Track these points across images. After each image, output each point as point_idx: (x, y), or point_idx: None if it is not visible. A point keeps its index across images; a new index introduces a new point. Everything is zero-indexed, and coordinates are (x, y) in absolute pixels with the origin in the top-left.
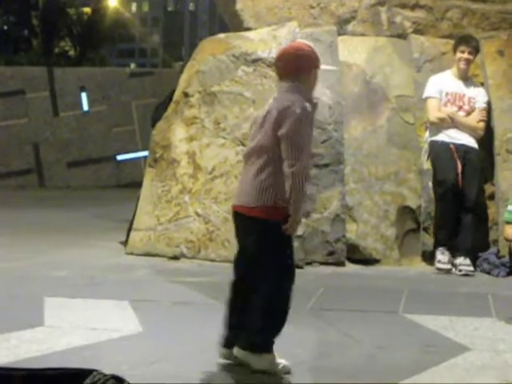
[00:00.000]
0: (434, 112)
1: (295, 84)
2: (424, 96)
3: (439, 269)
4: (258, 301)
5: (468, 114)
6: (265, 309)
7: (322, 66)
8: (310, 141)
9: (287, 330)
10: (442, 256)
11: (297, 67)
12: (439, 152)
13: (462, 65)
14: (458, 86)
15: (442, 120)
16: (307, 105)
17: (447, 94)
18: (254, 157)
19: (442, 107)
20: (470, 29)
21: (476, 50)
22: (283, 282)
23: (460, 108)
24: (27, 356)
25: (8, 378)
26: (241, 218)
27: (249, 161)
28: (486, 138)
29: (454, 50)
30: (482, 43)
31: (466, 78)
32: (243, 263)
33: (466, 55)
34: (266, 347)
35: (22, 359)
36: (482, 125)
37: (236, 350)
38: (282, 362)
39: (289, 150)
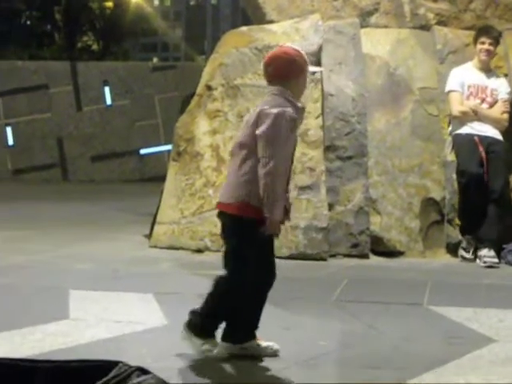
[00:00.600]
0: (456, 106)
1: (282, 88)
2: (446, 90)
3: (463, 257)
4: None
5: (491, 105)
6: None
7: (310, 68)
8: (291, 145)
9: (311, 321)
10: (467, 245)
11: (286, 72)
12: (462, 143)
13: (483, 56)
14: (480, 78)
15: (465, 114)
16: (289, 109)
17: (469, 86)
18: (235, 155)
19: (465, 100)
20: (494, 20)
21: (497, 41)
22: (252, 278)
23: (483, 100)
24: (52, 349)
25: (33, 371)
26: (220, 216)
27: (231, 159)
28: (510, 129)
29: (475, 41)
30: (506, 34)
31: (488, 70)
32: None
33: (486, 46)
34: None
35: (46, 352)
36: (505, 116)
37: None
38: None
39: (263, 149)
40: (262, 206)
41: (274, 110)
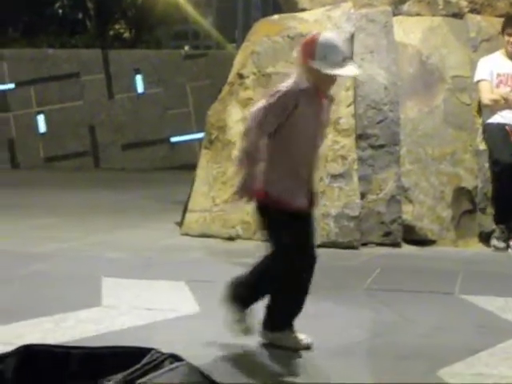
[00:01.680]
0: (486, 94)
1: (298, 72)
2: (475, 80)
3: (496, 247)
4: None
5: None
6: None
7: (339, 72)
8: (301, 131)
9: (343, 309)
10: (501, 234)
11: (307, 54)
12: (494, 132)
13: (510, 48)
14: (509, 67)
15: (495, 101)
16: (288, 91)
17: (498, 75)
18: None
19: (495, 89)
20: None
21: None
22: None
23: None
24: (83, 336)
25: (65, 357)
26: None
27: None
28: None
29: (502, 31)
30: None
31: None
32: None
33: None
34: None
35: (78, 339)
36: None
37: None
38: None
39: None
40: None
41: (272, 92)
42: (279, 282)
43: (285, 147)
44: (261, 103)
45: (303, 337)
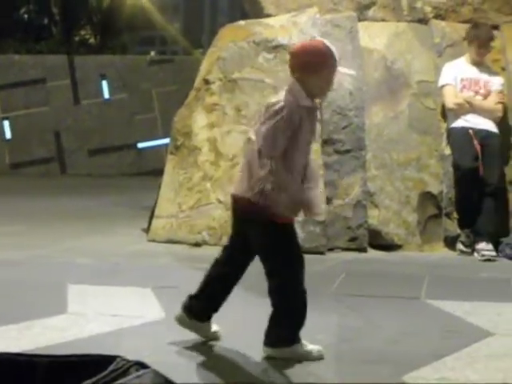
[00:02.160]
0: (451, 98)
1: (294, 83)
2: (440, 84)
3: (461, 251)
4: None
5: (485, 98)
6: None
7: (340, 69)
8: (293, 143)
9: (309, 315)
10: (466, 239)
11: (304, 65)
12: (457, 136)
13: (475, 56)
14: (472, 72)
15: (459, 105)
16: (291, 107)
17: (462, 79)
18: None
19: (459, 93)
20: (491, 13)
21: (489, 41)
22: None
23: (476, 93)
24: (50, 343)
25: (31, 365)
26: None
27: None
28: (506, 123)
29: (468, 41)
30: (503, 27)
31: (480, 63)
32: None
33: (478, 49)
34: None
35: (45, 346)
36: (499, 107)
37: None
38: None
39: (260, 151)
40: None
41: (275, 107)
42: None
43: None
44: (266, 123)
45: (315, 347)
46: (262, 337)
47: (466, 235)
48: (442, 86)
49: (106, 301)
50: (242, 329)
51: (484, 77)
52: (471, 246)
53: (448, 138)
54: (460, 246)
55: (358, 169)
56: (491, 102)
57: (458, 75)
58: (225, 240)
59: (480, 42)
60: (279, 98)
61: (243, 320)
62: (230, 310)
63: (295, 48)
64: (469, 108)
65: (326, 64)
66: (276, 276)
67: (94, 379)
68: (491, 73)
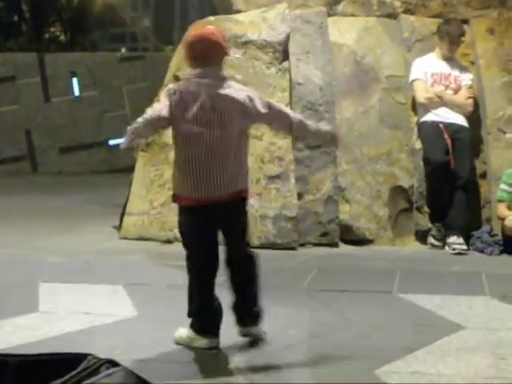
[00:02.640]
0: (421, 93)
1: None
2: (410, 79)
3: (432, 245)
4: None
5: (455, 92)
6: None
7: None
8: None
9: (281, 310)
10: (437, 233)
11: (212, 54)
12: (428, 130)
13: (446, 52)
14: (442, 66)
15: (430, 100)
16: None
17: (432, 74)
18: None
19: (430, 88)
20: (460, 7)
21: (460, 36)
22: None
23: (447, 87)
24: (22, 342)
25: (3, 364)
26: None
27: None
28: (476, 117)
29: (438, 36)
30: (472, 22)
31: (450, 58)
32: None
33: (449, 45)
34: None
35: (16, 345)
36: (470, 101)
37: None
38: None
39: None
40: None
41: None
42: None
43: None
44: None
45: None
46: (236, 334)
47: (437, 229)
48: (413, 81)
49: (77, 299)
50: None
51: (454, 72)
52: (442, 239)
53: (419, 132)
54: (431, 240)
55: (328, 164)
56: (462, 97)
57: (428, 70)
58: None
59: (451, 38)
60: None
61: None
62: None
63: (197, 36)
64: (439, 102)
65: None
66: None
67: (65, 377)
68: (461, 68)
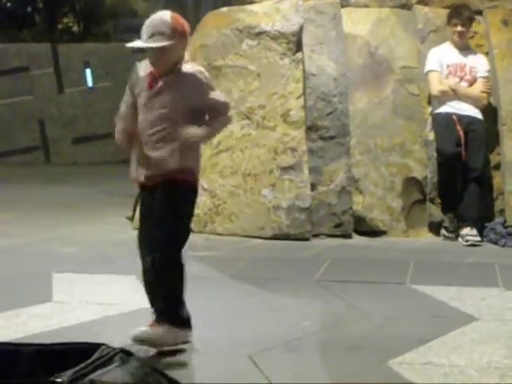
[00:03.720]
0: (436, 85)
1: None
2: (425, 70)
3: (445, 236)
4: None
5: (470, 83)
6: None
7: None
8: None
9: (294, 302)
10: (449, 224)
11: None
12: (440, 122)
13: (456, 37)
14: (457, 57)
15: (444, 93)
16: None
17: (448, 65)
18: None
19: (444, 79)
20: None
21: (470, 20)
22: None
23: (462, 78)
24: (36, 332)
25: (17, 354)
26: None
27: None
28: (491, 108)
29: (448, 23)
30: (486, 13)
31: (466, 48)
32: None
33: (459, 28)
34: None
35: (30, 335)
36: (485, 94)
37: None
38: None
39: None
40: None
41: None
42: None
43: None
44: None
45: None
46: (250, 326)
47: (450, 220)
48: (428, 72)
49: (91, 289)
50: (229, 318)
51: (470, 62)
52: (455, 231)
53: (432, 123)
54: (444, 232)
55: (342, 155)
56: (476, 90)
57: (443, 61)
58: (209, 227)
59: (460, 21)
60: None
61: (231, 310)
62: (219, 300)
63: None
64: (453, 95)
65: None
66: None
67: (79, 367)
68: (477, 58)
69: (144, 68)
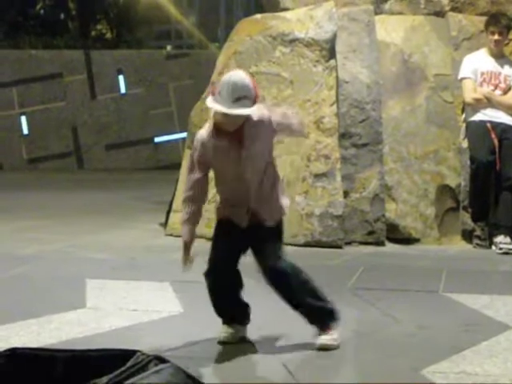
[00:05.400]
0: (469, 93)
1: None
2: (459, 77)
3: (477, 244)
4: None
5: (505, 92)
6: None
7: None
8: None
9: None
10: (480, 232)
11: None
12: (474, 130)
13: (493, 46)
14: (492, 65)
15: (478, 101)
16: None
17: (482, 73)
18: None
19: (478, 87)
20: (509, 5)
21: (508, 28)
22: None
23: (496, 87)
24: (70, 337)
25: (51, 360)
26: None
27: None
28: None
29: (486, 29)
30: None
31: (501, 56)
32: None
33: (496, 37)
34: None
35: (64, 341)
36: None
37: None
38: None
39: None
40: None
41: None
42: None
43: None
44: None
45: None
46: (282, 333)
47: (481, 229)
48: (462, 79)
49: (124, 295)
50: (260, 325)
51: (504, 70)
52: (487, 239)
53: (466, 130)
54: (476, 241)
55: (375, 162)
56: (510, 99)
57: (478, 68)
58: None
59: (497, 29)
60: None
61: (262, 317)
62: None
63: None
64: (487, 103)
65: None
66: None
67: (113, 374)
68: None
69: (204, 131)
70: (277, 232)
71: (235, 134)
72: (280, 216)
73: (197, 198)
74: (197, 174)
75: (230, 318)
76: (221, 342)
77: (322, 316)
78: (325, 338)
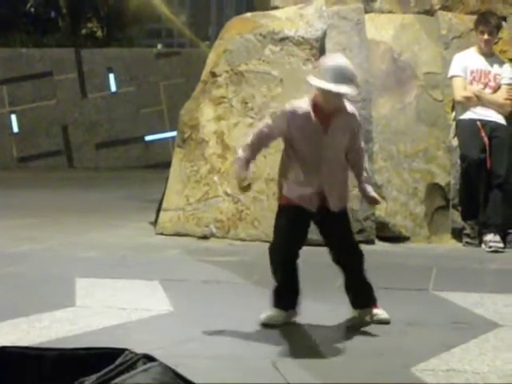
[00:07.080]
0: (459, 91)
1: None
2: (449, 75)
3: (467, 242)
4: None
5: (494, 90)
6: None
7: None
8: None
9: (317, 306)
10: (470, 231)
11: None
12: (464, 128)
13: (483, 45)
14: (482, 63)
15: (468, 99)
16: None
17: (472, 71)
18: None
19: (468, 85)
20: (498, 4)
21: (497, 28)
22: None
23: (486, 85)
24: (59, 336)
25: (40, 358)
26: None
27: None
28: None
29: (475, 28)
30: (510, 19)
31: (491, 55)
32: None
33: (485, 36)
34: None
35: (53, 339)
36: (509, 101)
37: None
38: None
39: None
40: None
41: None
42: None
43: None
44: None
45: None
46: (272, 331)
47: (471, 227)
48: (452, 77)
49: (113, 294)
50: (250, 324)
51: (494, 69)
52: (476, 237)
53: (456, 129)
54: (466, 239)
55: None
56: (500, 97)
57: (467, 66)
58: (233, 233)
59: (487, 29)
60: None
61: (252, 316)
62: (241, 306)
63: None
64: (477, 101)
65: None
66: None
67: (102, 372)
68: (502, 65)
69: (303, 104)
70: (346, 216)
71: (325, 119)
72: (346, 203)
73: (256, 148)
74: (268, 133)
75: (291, 298)
76: (265, 325)
77: (373, 292)
78: (381, 313)
